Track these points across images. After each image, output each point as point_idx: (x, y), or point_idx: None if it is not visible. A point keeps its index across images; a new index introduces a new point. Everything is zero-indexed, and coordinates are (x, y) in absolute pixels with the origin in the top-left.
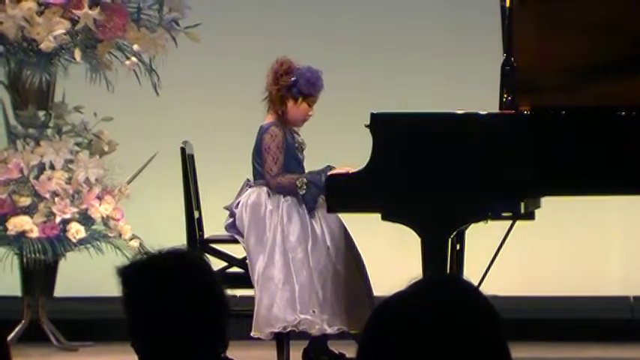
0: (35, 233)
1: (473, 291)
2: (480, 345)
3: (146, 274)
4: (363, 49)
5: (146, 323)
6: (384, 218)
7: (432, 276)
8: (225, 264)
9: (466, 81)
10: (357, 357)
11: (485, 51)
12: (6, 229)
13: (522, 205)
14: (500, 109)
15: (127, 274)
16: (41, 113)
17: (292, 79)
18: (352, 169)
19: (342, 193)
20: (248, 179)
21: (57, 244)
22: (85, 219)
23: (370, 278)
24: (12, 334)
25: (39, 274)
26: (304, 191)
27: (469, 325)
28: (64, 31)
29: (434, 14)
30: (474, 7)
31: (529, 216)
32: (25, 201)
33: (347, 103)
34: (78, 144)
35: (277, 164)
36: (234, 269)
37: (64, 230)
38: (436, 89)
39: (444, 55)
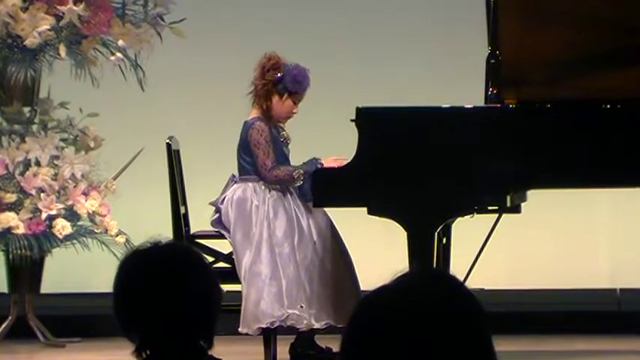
0: (21, 229)
1: (457, 285)
2: (463, 339)
3: (140, 268)
4: (349, 44)
5: (140, 318)
6: (370, 213)
7: (417, 270)
8: (211, 259)
9: (452, 75)
10: (341, 350)
11: (472, 45)
12: None
13: (508, 198)
14: (485, 103)
15: (121, 268)
16: (26, 109)
17: (279, 74)
18: (340, 160)
19: (328, 187)
20: (233, 175)
21: (43, 240)
22: (71, 215)
23: (357, 272)
24: None
25: (25, 270)
26: (302, 182)
27: (453, 320)
28: (48, 27)
29: (420, 9)
30: (460, 1)
31: (515, 209)
32: (10, 197)
33: (332, 97)
34: (63, 140)
35: (270, 157)
36: (221, 264)
37: (50, 226)
38: (423, 84)
39: (431, 50)
